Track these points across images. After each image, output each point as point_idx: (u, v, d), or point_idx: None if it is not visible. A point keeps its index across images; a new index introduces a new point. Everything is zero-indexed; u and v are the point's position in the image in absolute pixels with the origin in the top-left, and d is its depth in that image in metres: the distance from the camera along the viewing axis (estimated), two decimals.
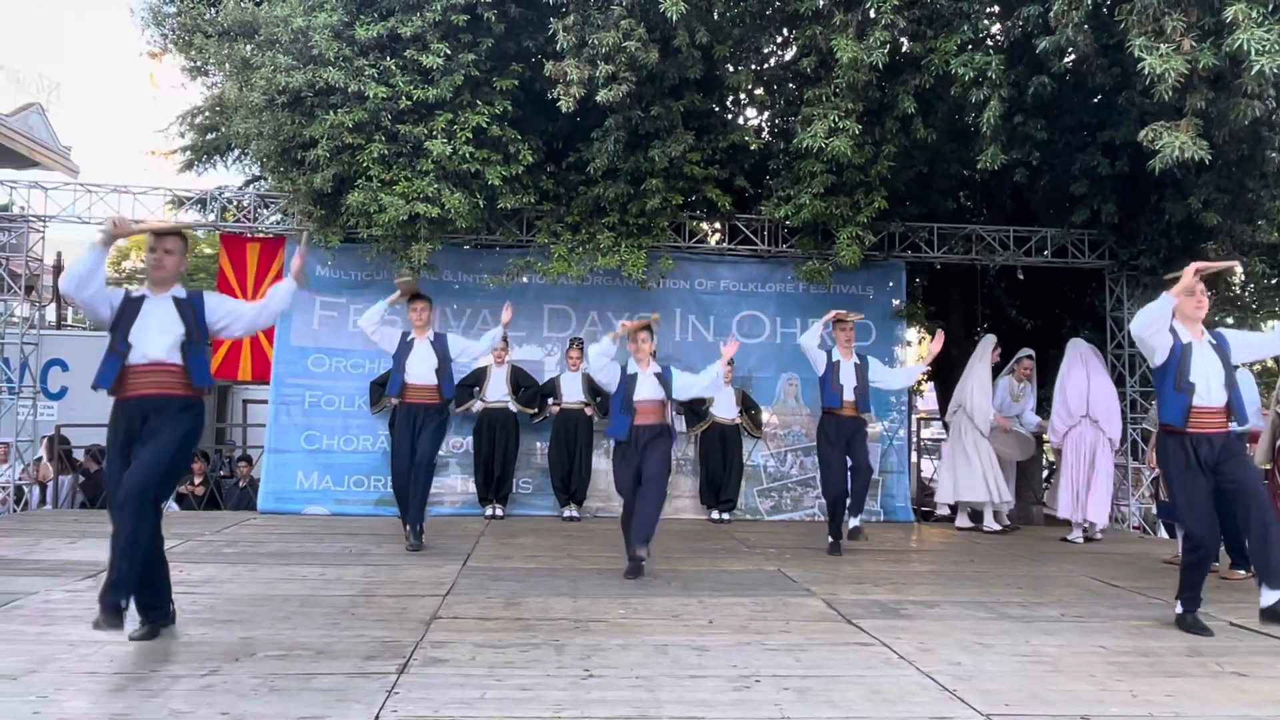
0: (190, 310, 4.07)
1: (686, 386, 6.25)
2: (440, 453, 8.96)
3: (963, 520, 8.95)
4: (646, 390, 5.98)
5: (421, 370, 6.62)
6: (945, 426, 12.78)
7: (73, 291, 3.87)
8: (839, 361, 7.05)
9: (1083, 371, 8.17)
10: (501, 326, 7.05)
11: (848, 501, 7.09)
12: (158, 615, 4.01)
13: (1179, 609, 4.70)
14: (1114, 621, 4.82)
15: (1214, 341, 4.69)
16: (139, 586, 3.86)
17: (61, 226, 9.25)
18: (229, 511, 9.32)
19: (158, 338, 3.95)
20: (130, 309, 3.99)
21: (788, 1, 7.40)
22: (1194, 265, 4.60)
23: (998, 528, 8.57)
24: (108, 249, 3.95)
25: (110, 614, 3.68)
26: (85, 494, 10.17)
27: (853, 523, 7.11)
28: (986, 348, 8.77)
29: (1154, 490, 7.81)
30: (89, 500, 10.02)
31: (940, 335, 7.20)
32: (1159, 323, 4.58)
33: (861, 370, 7.07)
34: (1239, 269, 5.00)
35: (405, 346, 6.69)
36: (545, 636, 4.21)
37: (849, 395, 6.99)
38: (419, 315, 6.74)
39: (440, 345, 6.71)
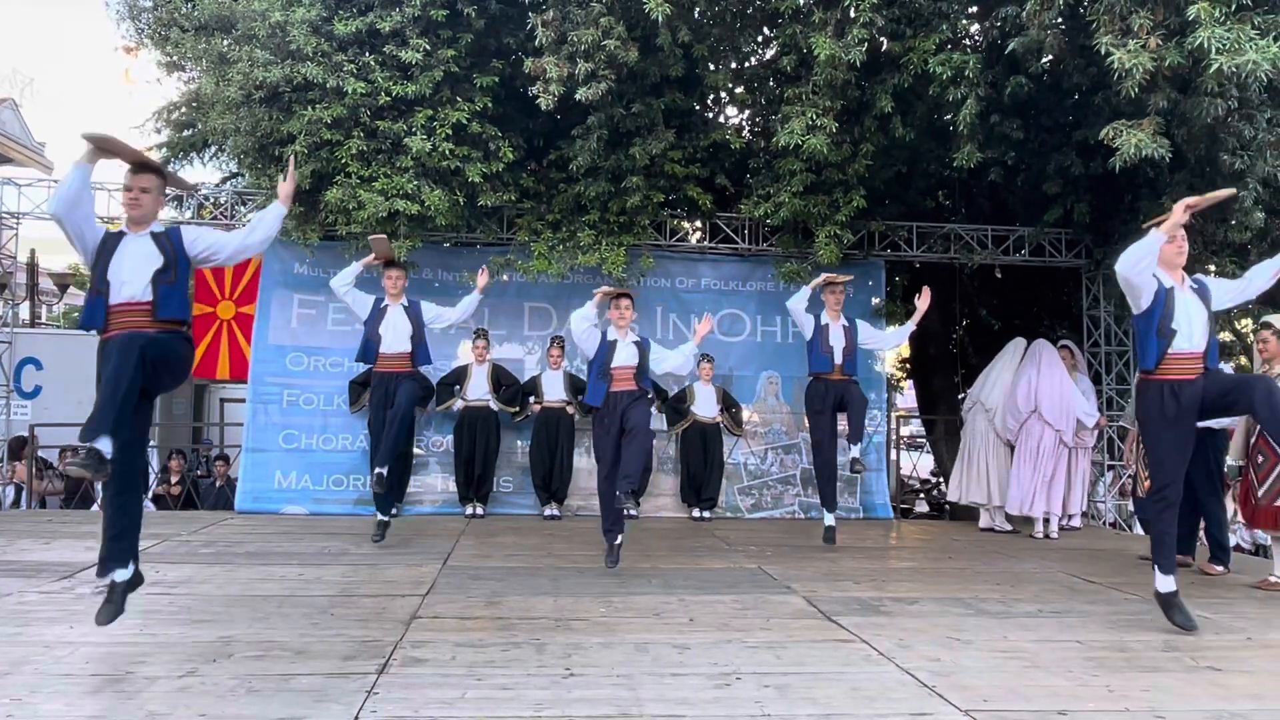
0: (168, 242, 4.01)
1: (661, 359, 6.38)
2: (420, 451, 8.99)
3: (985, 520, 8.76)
4: (624, 357, 6.11)
5: (396, 338, 6.58)
6: (928, 426, 12.89)
7: (63, 213, 3.82)
8: (828, 325, 6.99)
9: (1033, 369, 8.23)
10: (478, 292, 6.92)
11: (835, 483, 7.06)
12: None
13: (1157, 582, 4.54)
14: (1091, 617, 4.86)
15: (1195, 286, 4.63)
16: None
17: (35, 224, 9.13)
18: (206, 511, 9.24)
19: (134, 274, 3.89)
20: (109, 246, 3.94)
21: (769, 0, 7.42)
22: (1185, 201, 4.49)
23: (1002, 527, 8.55)
24: (92, 165, 3.89)
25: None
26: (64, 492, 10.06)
27: (853, 451, 6.97)
28: (1018, 352, 8.66)
29: (1131, 487, 7.88)
30: (65, 499, 9.92)
31: (926, 292, 7.08)
32: (1145, 260, 4.46)
33: (850, 333, 7.02)
34: (1234, 192, 4.95)
35: (378, 313, 6.64)
36: (526, 636, 4.20)
37: (839, 358, 6.93)
38: (394, 283, 6.70)
39: (414, 312, 6.67)
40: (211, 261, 4.27)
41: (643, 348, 6.21)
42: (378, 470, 6.52)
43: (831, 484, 7.11)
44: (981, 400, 8.63)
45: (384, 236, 6.89)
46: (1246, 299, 4.98)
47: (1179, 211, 4.46)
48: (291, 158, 4.99)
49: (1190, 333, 4.51)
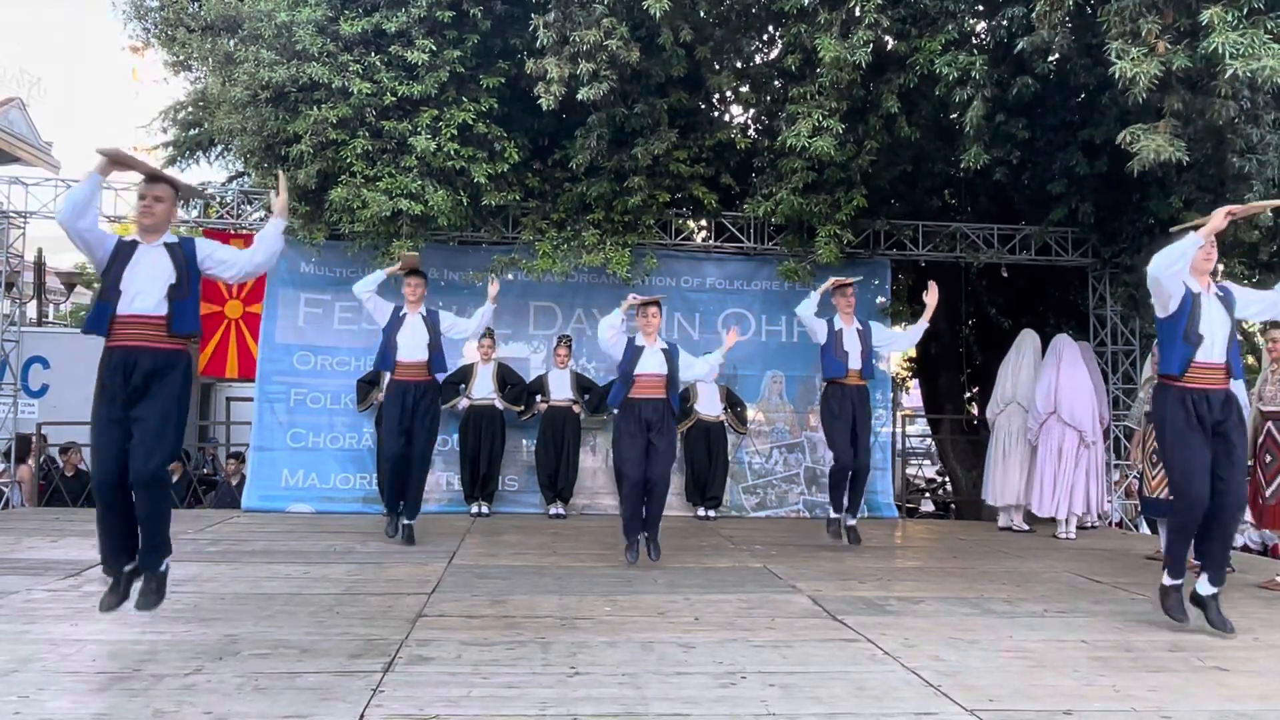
0: (181, 254, 4.03)
1: (687, 365, 6.37)
2: None
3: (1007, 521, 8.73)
4: (652, 364, 6.08)
5: (414, 346, 6.59)
6: (934, 425, 12.89)
7: (69, 220, 3.82)
8: (841, 329, 6.89)
9: (1054, 369, 8.20)
10: (490, 302, 6.88)
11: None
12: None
13: (1164, 578, 4.57)
14: (1096, 617, 4.85)
15: (1220, 294, 4.57)
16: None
17: (42, 223, 9.15)
18: (213, 510, 9.27)
19: (148, 285, 3.90)
20: (122, 254, 3.94)
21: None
22: (1227, 208, 4.43)
23: (1026, 528, 8.54)
24: (105, 176, 3.97)
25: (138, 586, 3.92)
26: (66, 490, 10.10)
27: (849, 521, 7.04)
28: (1036, 345, 8.62)
29: (1138, 486, 7.86)
30: (71, 497, 9.95)
31: (933, 287, 7.01)
32: (1179, 264, 4.40)
33: (865, 336, 6.93)
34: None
35: (396, 321, 6.66)
36: (531, 634, 4.20)
37: (854, 363, 6.84)
38: (413, 291, 6.71)
39: (432, 321, 6.70)
40: (217, 276, 4.29)
41: (670, 355, 6.15)
42: (392, 531, 6.86)
43: (841, 490, 6.96)
44: (1019, 400, 8.59)
45: (416, 255, 6.94)
46: (1279, 314, 4.83)
47: (1219, 217, 4.40)
48: (280, 173, 4.98)
49: (1213, 342, 4.45)
